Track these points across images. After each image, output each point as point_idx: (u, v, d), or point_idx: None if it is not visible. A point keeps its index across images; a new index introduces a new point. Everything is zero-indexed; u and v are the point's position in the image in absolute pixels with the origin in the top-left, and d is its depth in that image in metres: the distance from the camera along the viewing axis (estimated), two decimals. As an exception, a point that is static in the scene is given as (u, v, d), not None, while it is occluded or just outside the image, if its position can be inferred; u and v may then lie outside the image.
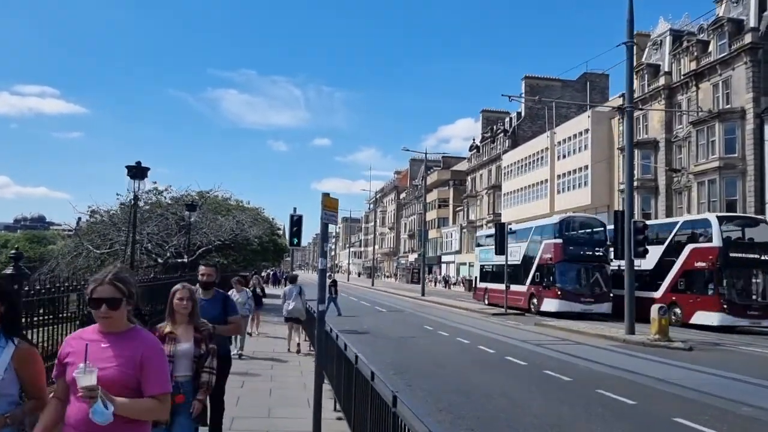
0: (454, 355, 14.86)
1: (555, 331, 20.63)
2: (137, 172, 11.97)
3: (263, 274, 52.27)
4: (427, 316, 26.97)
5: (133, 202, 11.96)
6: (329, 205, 6.02)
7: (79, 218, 23.94)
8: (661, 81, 45.60)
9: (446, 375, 11.74)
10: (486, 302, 33.92)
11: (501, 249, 28.52)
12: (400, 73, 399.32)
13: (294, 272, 26.78)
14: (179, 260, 22.92)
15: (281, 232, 37.88)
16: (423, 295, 43.22)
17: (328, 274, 23.94)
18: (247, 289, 14.21)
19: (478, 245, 39.01)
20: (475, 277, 38.29)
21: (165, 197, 24.59)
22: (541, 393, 10.10)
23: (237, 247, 27.34)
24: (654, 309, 17.14)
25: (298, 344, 14.25)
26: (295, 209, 20.41)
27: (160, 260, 21.71)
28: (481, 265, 36.49)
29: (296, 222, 20.13)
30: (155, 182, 24.80)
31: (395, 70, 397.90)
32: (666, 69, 45.99)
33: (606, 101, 61.79)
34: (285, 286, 17.58)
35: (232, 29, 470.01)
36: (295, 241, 19.98)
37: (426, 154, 51.17)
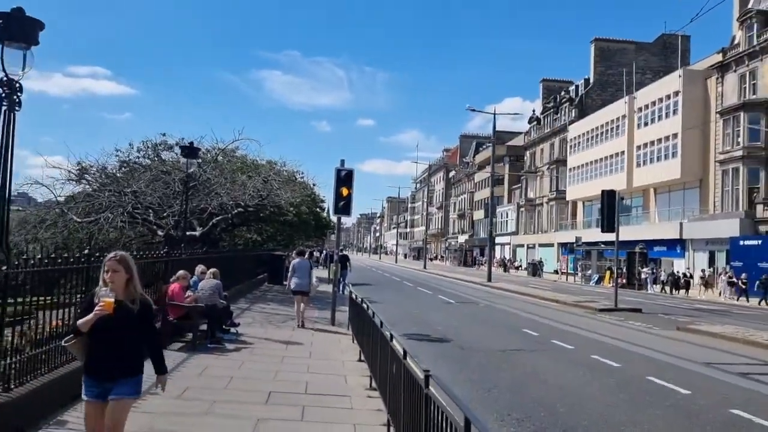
0: (620, 395, 8.64)
1: (719, 341, 14.06)
2: (11, 25, 5.37)
3: (315, 254, 46.21)
4: (514, 312, 20.66)
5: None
6: None
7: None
8: (776, 30, 37.64)
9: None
10: None
11: None
12: (443, 53, 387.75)
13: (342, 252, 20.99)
14: (189, 233, 17.28)
15: (324, 204, 31.92)
16: (489, 280, 36.76)
17: (341, 248, 19.19)
18: None
19: None
20: None
21: (176, 153, 18.80)
22: None
23: (267, 218, 21.57)
24: None
25: (300, 318, 13.69)
26: (342, 161, 14.37)
27: (160, 233, 16.11)
28: None
29: (344, 178, 14.09)
30: (164, 134, 19.14)
31: (438, 49, 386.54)
32: (782, 15, 38.05)
33: (687, 66, 53.48)
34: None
35: (275, 10, 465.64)
36: (341, 204, 13.96)
37: (495, 114, 44.31)
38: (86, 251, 7.25)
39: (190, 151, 13.63)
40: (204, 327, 10.75)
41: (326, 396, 7.42)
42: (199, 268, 11.79)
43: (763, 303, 28.41)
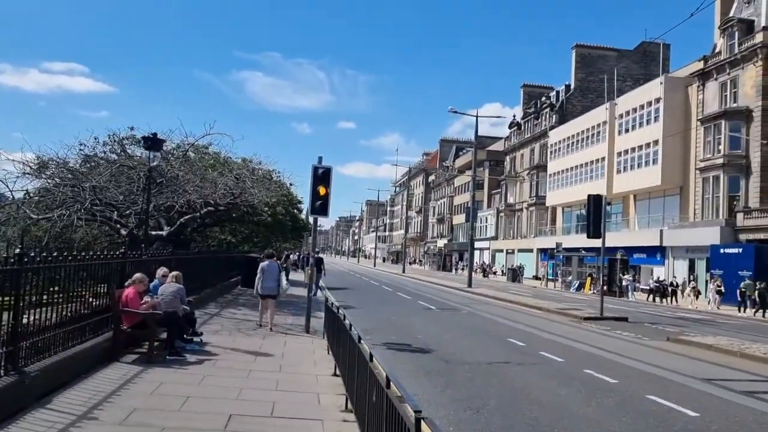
0: (622, 418, 7.85)
1: (714, 354, 13.37)
2: None
3: (291, 257, 45.25)
4: (498, 319, 19.91)
5: None
6: None
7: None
8: (758, 38, 37.64)
9: None
10: None
11: None
12: (425, 57, 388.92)
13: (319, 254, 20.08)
14: (156, 233, 16.21)
15: (302, 206, 30.89)
16: (470, 286, 36.05)
17: (316, 251, 18.48)
18: None
19: None
20: None
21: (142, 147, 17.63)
22: None
23: (240, 218, 20.53)
24: None
25: (271, 323, 13.46)
26: (320, 159, 13.47)
27: (123, 232, 15.02)
28: None
29: (322, 177, 13.18)
30: (132, 128, 17.99)
31: (420, 52, 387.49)
32: (763, 24, 38.02)
33: (667, 73, 53.58)
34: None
35: (256, 11, 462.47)
36: (318, 204, 13.05)
37: (477, 117, 43.68)
38: (17, 250, 6.23)
39: (153, 142, 12.58)
40: (165, 336, 9.75)
41: (295, 420, 6.48)
42: (161, 270, 10.76)
43: (760, 314, 27.62)
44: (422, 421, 3.03)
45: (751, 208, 35.74)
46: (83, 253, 8.20)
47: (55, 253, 7.32)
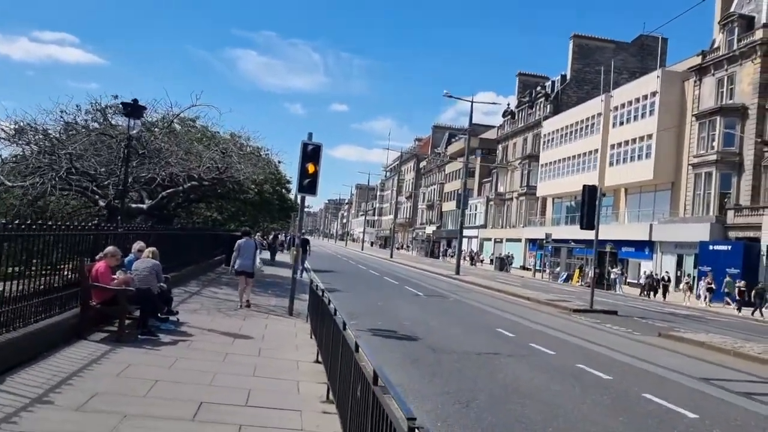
0: (618, 417, 7.43)
1: (707, 351, 13.01)
2: None
3: (280, 237, 44.69)
4: (486, 308, 19.52)
5: None
6: None
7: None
8: (758, 35, 37.21)
9: None
10: None
11: None
12: (420, 44, 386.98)
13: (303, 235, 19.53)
14: (136, 206, 15.55)
15: (291, 186, 30.27)
16: (458, 273, 35.69)
17: (303, 232, 18.16)
18: None
19: None
20: None
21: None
22: None
23: (226, 195, 19.88)
24: None
25: (248, 300, 13.52)
26: (310, 135, 12.89)
27: (101, 203, 14.38)
28: None
29: (311, 154, 12.60)
30: (116, 96, 17.18)
31: (415, 39, 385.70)
32: (764, 20, 37.60)
33: (664, 67, 53.14)
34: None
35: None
36: (307, 182, 12.50)
37: (472, 102, 43.11)
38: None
39: (133, 109, 11.90)
40: (137, 314, 9.19)
41: (271, 410, 5.98)
42: (137, 245, 10.18)
43: (757, 314, 27.03)
44: (417, 431, 2.53)
45: (741, 206, 35.55)
46: (49, 223, 7.60)
47: (16, 222, 6.73)
